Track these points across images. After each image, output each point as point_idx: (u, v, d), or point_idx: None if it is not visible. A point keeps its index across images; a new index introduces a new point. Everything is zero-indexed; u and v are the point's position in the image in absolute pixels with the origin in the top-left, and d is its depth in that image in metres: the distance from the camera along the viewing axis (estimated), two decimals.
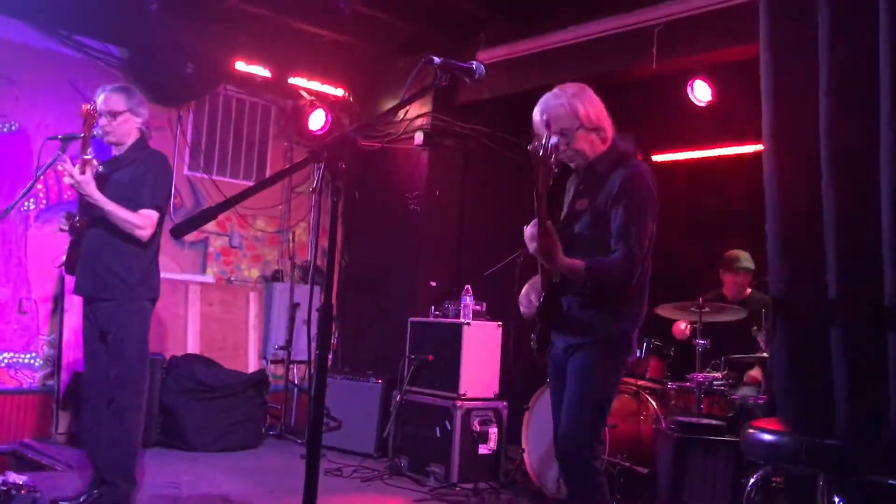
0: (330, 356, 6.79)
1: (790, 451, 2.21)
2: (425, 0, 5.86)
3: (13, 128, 5.77)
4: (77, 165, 3.72)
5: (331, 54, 6.70)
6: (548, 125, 2.97)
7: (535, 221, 2.83)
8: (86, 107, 3.79)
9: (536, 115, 3.05)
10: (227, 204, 1.71)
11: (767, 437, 2.24)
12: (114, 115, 3.90)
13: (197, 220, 1.69)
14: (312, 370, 6.43)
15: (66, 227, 3.95)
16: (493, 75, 2.51)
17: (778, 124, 3.33)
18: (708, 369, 4.81)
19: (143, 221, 3.81)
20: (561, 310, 2.96)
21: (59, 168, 4.01)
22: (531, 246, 2.90)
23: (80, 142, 3.79)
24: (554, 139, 2.75)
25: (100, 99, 3.93)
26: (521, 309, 3.15)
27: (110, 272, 3.82)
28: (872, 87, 2.71)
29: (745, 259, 5.35)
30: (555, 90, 3.06)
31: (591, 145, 3.02)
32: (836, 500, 2.21)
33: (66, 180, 3.80)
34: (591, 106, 3.02)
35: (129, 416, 3.84)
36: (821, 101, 2.96)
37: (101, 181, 3.88)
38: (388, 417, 5.68)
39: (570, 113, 2.97)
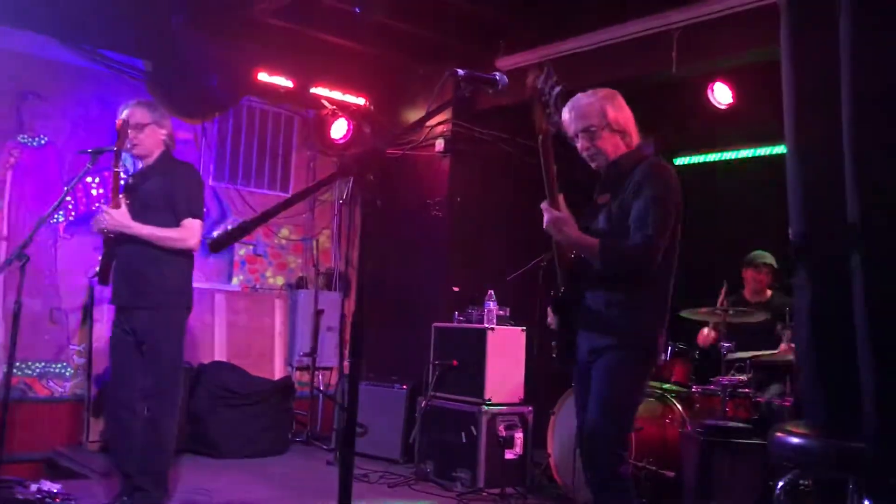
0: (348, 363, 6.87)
1: (819, 453, 2.22)
2: (444, 9, 5.90)
3: (42, 142, 5.88)
4: (110, 204, 3.81)
5: (352, 64, 6.75)
6: (574, 126, 3.06)
7: (546, 203, 2.90)
8: (120, 121, 3.87)
9: (565, 111, 3.11)
10: (263, 217, 1.76)
11: (795, 439, 2.25)
12: (140, 127, 3.98)
13: (233, 234, 1.74)
14: (340, 377, 6.50)
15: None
16: (512, 82, 2.56)
17: (800, 128, 3.34)
18: (732, 372, 4.80)
19: (186, 233, 3.89)
20: (586, 307, 2.96)
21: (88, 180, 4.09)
22: (546, 223, 2.93)
23: (109, 154, 3.88)
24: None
25: (124, 114, 4.00)
26: (548, 320, 3.17)
27: (147, 281, 3.89)
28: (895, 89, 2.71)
29: (770, 258, 5.35)
30: (585, 93, 3.14)
31: (615, 147, 3.08)
32: (866, 503, 2.21)
33: (102, 221, 3.85)
34: (620, 110, 3.10)
35: (164, 424, 3.91)
36: (843, 103, 2.97)
37: (131, 192, 3.96)
38: (413, 423, 5.72)
39: (597, 112, 3.05)
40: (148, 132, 4.00)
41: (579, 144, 3.12)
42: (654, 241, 2.86)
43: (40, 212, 5.59)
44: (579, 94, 3.14)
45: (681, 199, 3.01)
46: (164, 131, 4.07)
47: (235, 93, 6.52)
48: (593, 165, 3.14)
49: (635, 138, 3.11)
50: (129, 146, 3.98)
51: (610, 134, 3.06)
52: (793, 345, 4.67)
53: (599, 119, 3.04)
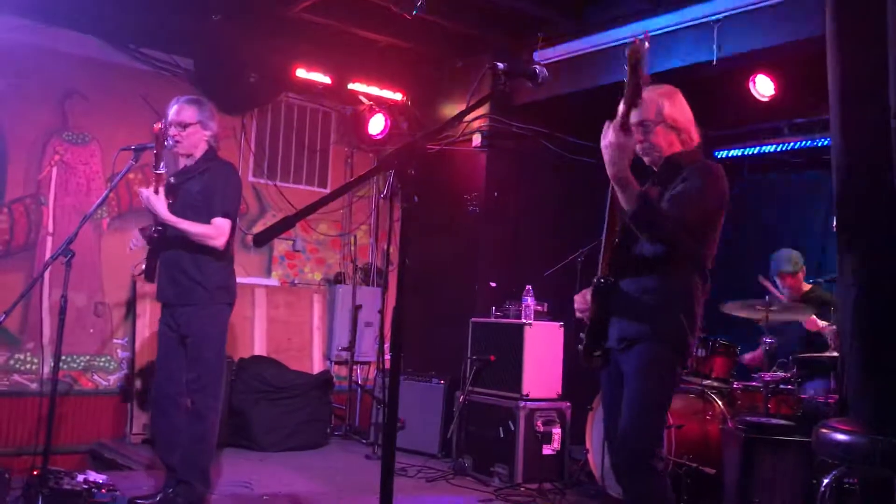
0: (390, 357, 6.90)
1: (865, 451, 2.18)
2: (482, 2, 5.89)
3: (86, 139, 6.00)
4: (152, 186, 3.86)
5: (389, 59, 6.77)
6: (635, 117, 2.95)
7: (618, 123, 2.76)
8: (157, 125, 3.92)
9: (622, 105, 3.05)
10: (306, 211, 1.77)
11: (841, 436, 2.21)
12: (184, 126, 4.02)
13: (276, 228, 1.75)
14: (378, 372, 6.53)
15: (138, 245, 4.08)
16: (551, 75, 2.53)
17: (846, 116, 3.28)
18: (775, 368, 4.73)
19: (215, 231, 3.92)
20: (621, 292, 2.93)
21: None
22: (606, 142, 2.79)
23: (150, 152, 3.93)
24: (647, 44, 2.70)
25: (172, 109, 4.05)
26: (576, 307, 3.14)
27: (190, 279, 3.95)
28: None
29: (794, 263, 5.24)
30: (649, 87, 3.01)
31: (669, 143, 3.03)
32: None
33: (142, 200, 3.91)
34: (678, 108, 3.05)
35: (208, 417, 3.96)
36: (891, 91, 2.91)
37: (172, 192, 4.01)
38: (451, 418, 5.73)
39: (654, 107, 3.00)
40: (191, 131, 4.03)
41: (635, 136, 3.05)
42: (687, 219, 2.82)
43: (84, 208, 5.71)
44: (657, 88, 3.08)
45: (726, 200, 2.95)
46: (208, 132, 4.09)
47: (274, 89, 6.59)
48: (647, 160, 3.08)
49: (695, 138, 3.07)
50: (171, 144, 4.03)
51: (665, 130, 3.01)
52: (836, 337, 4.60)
53: (656, 114, 3.00)
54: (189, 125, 4.02)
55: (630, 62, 2.64)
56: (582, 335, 3.06)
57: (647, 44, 2.62)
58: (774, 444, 4.09)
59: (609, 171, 2.79)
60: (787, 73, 5.43)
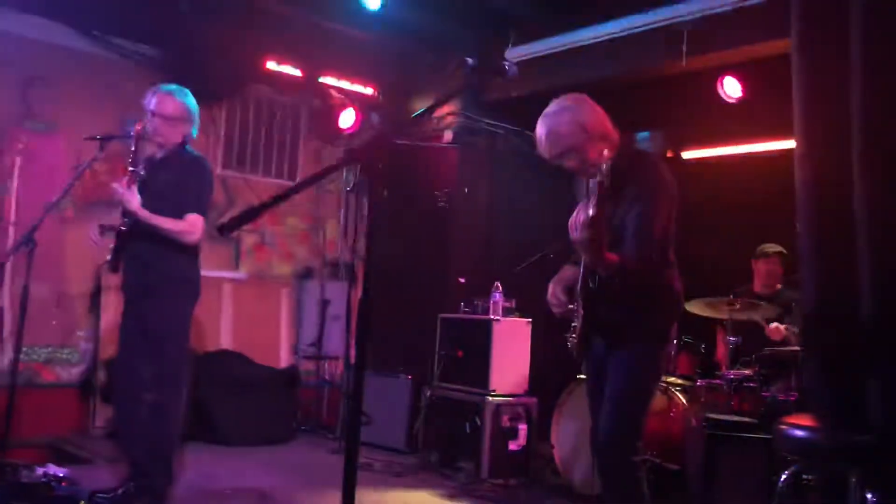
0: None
1: (823, 446, 2.22)
2: None
3: (51, 128, 5.90)
4: (124, 181, 3.81)
5: (360, 53, 6.74)
6: (555, 151, 2.98)
7: (580, 207, 2.82)
8: (139, 125, 3.86)
9: (539, 135, 3.02)
10: (274, 202, 1.76)
11: (800, 433, 2.25)
12: (166, 119, 3.95)
13: (242, 217, 1.74)
14: (346, 367, 6.51)
15: (99, 242, 4.01)
16: (522, 73, 2.52)
17: (809, 125, 3.33)
18: (738, 366, 4.80)
19: (189, 227, 3.89)
20: (600, 318, 2.97)
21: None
22: (578, 234, 2.78)
23: (121, 143, 3.87)
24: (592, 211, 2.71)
25: (157, 98, 3.96)
26: (553, 310, 3.15)
27: (155, 271, 3.90)
28: None
29: (778, 246, 5.33)
30: (551, 108, 3.02)
31: (600, 153, 2.88)
32: (869, 496, 2.21)
33: (115, 196, 3.86)
34: (593, 113, 2.99)
35: (170, 411, 3.92)
36: (853, 99, 2.96)
37: (142, 184, 3.96)
38: (417, 413, 5.74)
39: (576, 128, 2.94)
40: (172, 125, 3.98)
41: (566, 164, 3.03)
42: (646, 254, 2.84)
43: (48, 198, 5.59)
44: (548, 115, 3.01)
45: (675, 195, 2.98)
46: (188, 126, 4.05)
47: (243, 81, 6.53)
48: (584, 178, 3.06)
49: (615, 135, 3.02)
50: (149, 133, 3.96)
51: (592, 143, 2.94)
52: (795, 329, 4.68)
53: (578, 136, 2.94)
54: (174, 120, 3.97)
55: (596, 193, 2.65)
56: (572, 335, 3.07)
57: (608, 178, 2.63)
58: (737, 440, 4.16)
59: (588, 259, 2.83)
60: (755, 76, 5.50)
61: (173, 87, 4.08)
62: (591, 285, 2.95)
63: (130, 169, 3.83)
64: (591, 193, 2.72)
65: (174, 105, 3.97)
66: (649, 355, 2.98)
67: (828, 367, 2.52)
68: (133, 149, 3.85)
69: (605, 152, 2.76)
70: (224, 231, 1.70)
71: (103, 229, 4.01)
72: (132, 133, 3.91)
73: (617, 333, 2.97)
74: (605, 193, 2.62)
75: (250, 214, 1.75)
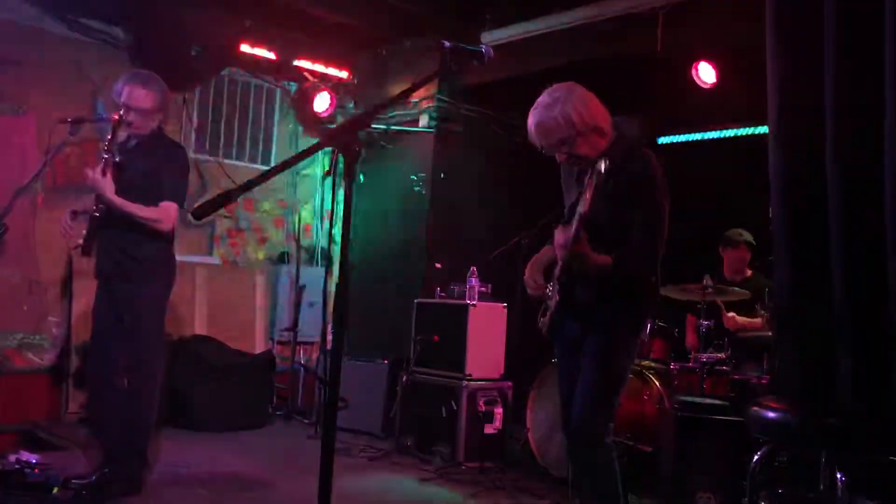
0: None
1: (794, 428, 2.26)
2: None
3: (20, 111, 5.80)
4: (99, 168, 3.77)
5: (335, 36, 6.69)
6: (545, 143, 2.98)
7: (559, 229, 2.89)
8: (116, 115, 3.82)
9: (530, 125, 3.00)
10: (248, 185, 1.75)
11: (771, 414, 2.29)
12: (143, 112, 3.90)
13: (216, 202, 1.73)
14: (322, 352, 6.51)
15: (70, 226, 3.95)
16: (498, 57, 2.49)
17: (783, 109, 3.36)
18: (711, 349, 4.85)
19: (163, 215, 3.87)
20: (577, 301, 2.99)
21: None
22: (560, 252, 2.90)
23: (88, 125, 3.83)
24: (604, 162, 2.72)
25: (129, 89, 3.89)
26: (529, 291, 3.17)
27: (128, 257, 3.88)
28: (879, 71, 2.73)
29: (746, 233, 5.39)
30: (544, 99, 2.97)
31: (593, 145, 2.96)
32: (839, 477, 2.25)
33: (89, 182, 3.82)
34: (584, 107, 2.93)
35: (144, 396, 3.91)
36: (827, 84, 2.99)
37: (118, 170, 3.92)
38: (394, 398, 5.74)
39: (564, 123, 2.89)
40: (149, 117, 3.95)
41: (557, 156, 3.02)
42: (659, 246, 2.91)
43: (19, 181, 5.51)
44: (539, 106, 2.97)
45: (668, 191, 3.01)
46: (163, 114, 4.02)
47: (217, 64, 6.46)
48: (576, 169, 3.07)
49: (607, 124, 2.99)
50: (125, 123, 3.91)
51: (584, 137, 2.93)
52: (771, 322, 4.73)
53: (568, 130, 2.90)
54: (150, 112, 3.93)
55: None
56: (542, 319, 3.09)
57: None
58: (709, 423, 4.21)
59: (578, 270, 2.88)
60: (730, 62, 5.53)
61: (143, 74, 4.01)
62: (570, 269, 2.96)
63: (105, 156, 3.79)
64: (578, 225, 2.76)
65: (149, 98, 3.92)
66: (624, 342, 3.00)
67: (799, 350, 2.56)
68: (110, 137, 3.82)
69: (600, 144, 2.82)
70: (197, 216, 1.68)
71: (76, 215, 3.97)
72: (107, 119, 3.87)
73: (593, 316, 2.99)
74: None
75: (224, 199, 1.73)
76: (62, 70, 5.90)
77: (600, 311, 2.98)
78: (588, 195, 2.69)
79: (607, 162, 2.68)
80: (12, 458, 3.90)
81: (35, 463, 3.91)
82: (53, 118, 4.04)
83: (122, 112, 3.84)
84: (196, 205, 1.78)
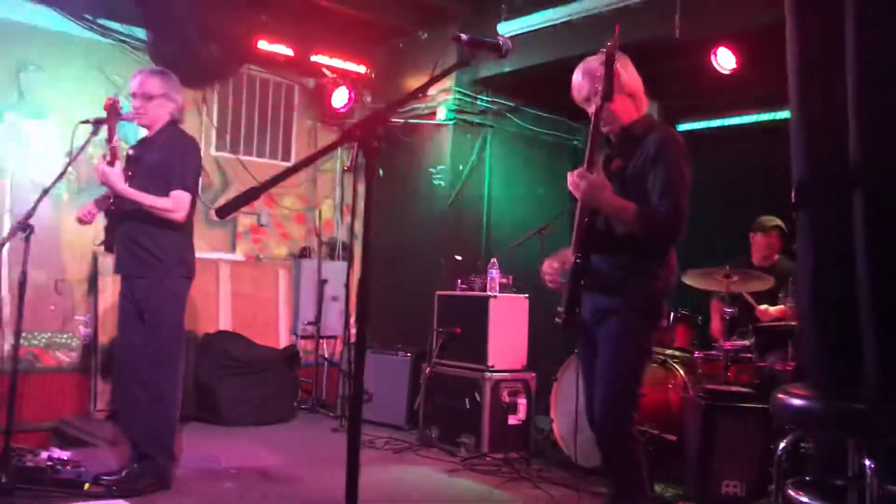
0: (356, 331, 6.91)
1: (820, 414, 2.24)
2: None
3: (44, 113, 5.87)
4: (105, 158, 3.81)
5: (352, 31, 6.71)
6: (585, 91, 3.05)
7: (582, 168, 2.87)
8: (108, 99, 3.86)
9: (576, 74, 3.11)
10: (270, 183, 1.76)
11: (797, 401, 2.27)
12: (149, 97, 3.96)
13: (240, 200, 1.74)
14: (345, 346, 6.55)
15: (88, 218, 4.01)
16: (516, 47, 2.53)
17: (804, 91, 3.33)
18: (735, 337, 4.83)
19: (174, 204, 3.88)
20: (593, 270, 2.97)
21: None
22: (577, 189, 2.88)
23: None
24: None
25: (135, 80, 3.99)
26: (546, 278, 3.17)
27: (146, 251, 3.91)
28: None
29: (777, 219, 5.33)
30: (596, 56, 3.08)
31: (626, 111, 3.06)
32: (867, 464, 2.24)
33: (98, 175, 3.88)
34: (630, 74, 3.08)
35: (167, 391, 3.94)
36: (848, 68, 2.95)
37: (132, 163, 3.97)
38: (417, 390, 5.77)
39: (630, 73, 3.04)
40: (156, 103, 3.98)
41: (591, 108, 3.08)
42: (682, 208, 2.88)
43: (43, 183, 5.57)
44: (589, 58, 3.11)
45: (690, 166, 3.01)
46: (173, 104, 4.04)
47: (236, 61, 6.50)
48: (605, 130, 3.11)
49: (644, 102, 3.12)
50: (132, 116, 3.98)
51: (621, 98, 3.02)
52: (793, 306, 4.70)
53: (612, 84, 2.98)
54: (154, 97, 3.97)
55: (607, 62, 2.70)
56: (560, 308, 3.09)
57: (617, 42, 2.69)
58: (734, 411, 4.20)
59: (595, 207, 2.89)
60: (749, 46, 5.48)
61: (154, 67, 4.10)
62: (581, 261, 2.96)
63: (109, 145, 3.83)
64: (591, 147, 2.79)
65: (151, 82, 3.98)
66: (641, 329, 2.98)
67: (824, 334, 2.54)
68: (107, 125, 3.85)
69: (632, 111, 2.91)
70: (222, 214, 1.70)
71: (100, 203, 4.01)
72: (129, 119, 3.93)
73: (608, 300, 2.97)
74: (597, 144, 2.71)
75: (247, 197, 1.75)
76: (83, 71, 5.97)
77: (617, 291, 2.96)
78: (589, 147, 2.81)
79: (608, 111, 2.80)
80: (44, 454, 3.96)
81: (66, 460, 3.97)
82: (76, 120, 4.09)
83: (115, 98, 3.88)
84: (218, 204, 1.80)
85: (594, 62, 3.06)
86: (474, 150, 6.73)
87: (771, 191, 5.14)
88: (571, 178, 2.92)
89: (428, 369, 5.64)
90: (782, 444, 2.72)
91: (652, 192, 2.90)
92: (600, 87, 2.85)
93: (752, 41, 5.37)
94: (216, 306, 6.52)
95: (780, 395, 2.33)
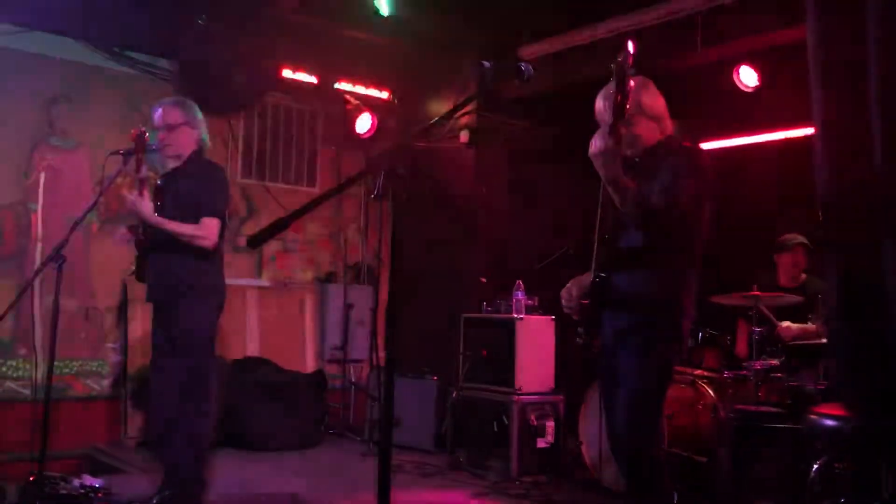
0: (383, 355, 6.92)
1: (853, 435, 2.22)
2: None
3: (73, 144, 5.98)
4: (135, 188, 3.88)
5: (374, 58, 6.78)
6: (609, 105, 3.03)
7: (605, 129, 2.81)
8: (135, 130, 3.93)
9: (599, 100, 3.12)
10: (299, 212, 1.79)
11: (829, 421, 2.25)
12: (171, 128, 4.03)
13: (270, 229, 1.77)
14: (371, 370, 6.56)
15: (128, 235, 4.08)
16: (536, 70, 2.55)
17: (827, 107, 3.32)
18: (764, 357, 4.78)
19: (204, 231, 3.92)
20: (613, 287, 2.97)
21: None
22: (594, 145, 2.82)
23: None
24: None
25: (157, 113, 4.07)
26: (563, 303, 3.16)
27: (178, 280, 3.95)
28: None
29: (802, 238, 5.27)
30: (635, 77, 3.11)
31: (650, 133, 3.07)
32: None
33: (128, 205, 3.94)
34: (654, 97, 3.10)
35: (200, 417, 3.97)
36: (872, 78, 2.94)
37: (161, 193, 4.03)
38: (444, 413, 5.76)
39: (632, 99, 2.95)
40: (180, 132, 4.05)
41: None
42: (679, 207, 2.86)
43: (73, 213, 5.67)
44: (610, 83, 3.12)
45: (712, 184, 3.00)
46: (196, 132, 4.10)
47: (260, 90, 6.58)
48: (629, 152, 3.11)
49: (670, 126, 3.12)
50: (158, 146, 4.04)
51: (646, 120, 3.05)
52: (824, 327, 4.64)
53: (635, 107, 2.99)
54: (176, 126, 4.04)
55: (617, 77, 2.70)
56: (580, 329, 3.08)
57: (631, 55, 2.68)
58: (765, 431, 4.15)
59: (602, 175, 2.84)
60: (771, 64, 5.47)
61: (173, 98, 4.20)
62: (601, 277, 2.95)
63: (138, 177, 3.90)
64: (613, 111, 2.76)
65: (172, 113, 4.06)
66: (661, 349, 2.95)
67: (855, 354, 2.52)
68: (135, 156, 3.92)
69: (656, 134, 2.91)
70: (253, 244, 1.73)
71: (132, 230, 4.07)
72: (157, 149, 4.00)
73: (627, 319, 2.95)
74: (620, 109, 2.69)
75: (277, 227, 1.78)
76: (111, 102, 6.07)
77: (635, 313, 2.94)
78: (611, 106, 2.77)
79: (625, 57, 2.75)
80: (76, 482, 4.00)
81: (98, 487, 4.01)
82: (104, 150, 4.17)
83: (143, 129, 3.95)
84: (246, 234, 1.83)
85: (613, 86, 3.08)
86: (497, 171, 6.74)
87: (796, 208, 5.12)
88: (595, 141, 2.86)
89: (455, 393, 5.64)
90: (816, 466, 2.69)
91: (657, 186, 2.90)
92: (612, 105, 2.82)
93: (774, 59, 5.37)
94: (243, 332, 6.57)
95: (814, 416, 2.31)
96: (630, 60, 2.72)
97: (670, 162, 2.96)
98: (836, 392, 3.24)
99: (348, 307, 6.82)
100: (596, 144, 2.81)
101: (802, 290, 5.06)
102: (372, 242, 7.43)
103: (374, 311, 6.87)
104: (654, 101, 3.10)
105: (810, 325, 4.85)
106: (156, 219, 3.88)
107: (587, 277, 3.10)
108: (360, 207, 7.44)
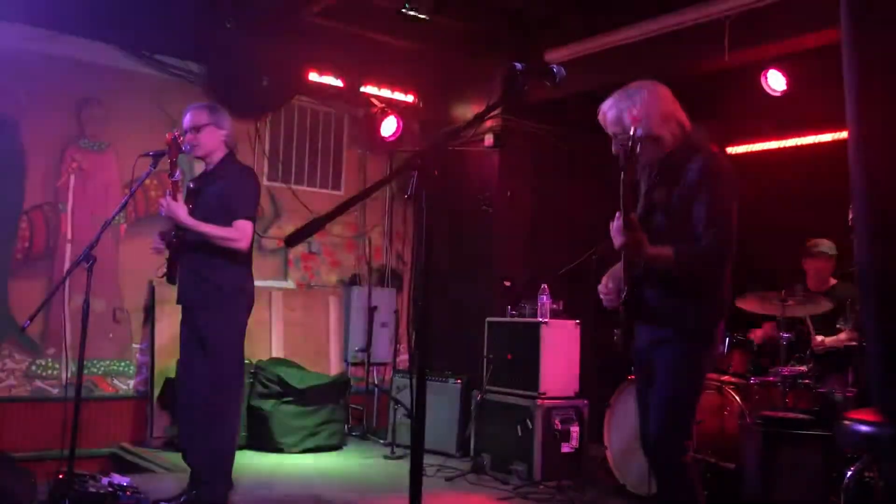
0: (407, 357, 6.94)
1: (889, 441, 2.19)
2: (492, 1, 5.90)
3: (102, 146, 6.05)
4: (168, 192, 3.92)
5: (400, 61, 6.81)
6: (616, 120, 3.02)
7: (619, 214, 2.83)
8: (170, 134, 3.98)
9: (609, 111, 3.07)
10: (335, 213, 1.80)
11: (864, 427, 2.22)
12: (198, 129, 4.08)
13: (307, 229, 1.78)
14: (394, 372, 6.56)
15: (162, 247, 4.12)
16: (566, 73, 2.54)
17: (864, 108, 3.27)
18: (792, 363, 4.73)
19: (238, 234, 3.96)
20: (645, 301, 2.96)
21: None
22: (617, 240, 2.89)
23: (167, 158, 3.99)
24: (639, 132, 2.78)
25: (186, 118, 4.13)
26: (603, 299, 3.15)
27: (208, 282, 3.99)
28: None
29: (827, 245, 5.23)
30: (627, 88, 3.07)
31: (668, 131, 3.01)
32: None
33: (162, 209, 3.98)
34: (662, 100, 3.03)
35: (227, 419, 4.00)
36: None
37: (193, 196, 4.06)
38: (468, 417, 5.75)
39: (630, 122, 2.97)
40: (206, 133, 4.09)
41: (639, 133, 3.06)
42: (727, 242, 2.86)
43: (102, 214, 5.75)
44: (620, 92, 3.08)
45: (738, 189, 2.97)
46: (223, 132, 4.15)
47: (287, 93, 6.63)
48: (643, 160, 3.09)
49: (686, 124, 3.05)
50: (188, 148, 4.08)
51: (658, 126, 2.99)
52: (855, 332, 4.60)
53: (636, 128, 2.93)
54: (202, 126, 4.08)
55: (624, 172, 2.74)
56: (616, 330, 3.06)
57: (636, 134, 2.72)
58: (793, 438, 4.11)
59: (636, 260, 2.88)
60: (799, 68, 5.43)
61: (199, 102, 4.30)
62: (635, 277, 2.94)
63: (172, 180, 3.94)
64: (624, 192, 2.78)
65: (198, 115, 4.11)
66: (694, 356, 2.94)
67: (892, 357, 2.48)
68: (169, 159, 3.96)
69: (667, 142, 2.86)
70: (291, 243, 1.75)
71: (164, 236, 4.11)
72: (186, 151, 4.04)
73: (663, 325, 2.94)
74: (631, 192, 2.67)
75: (314, 227, 1.79)
76: (140, 105, 6.14)
77: (670, 320, 2.93)
78: (623, 192, 2.76)
79: (637, 132, 2.77)
80: (104, 480, 4.03)
81: (126, 486, 4.03)
82: (134, 153, 4.22)
83: (177, 133, 4.00)
84: (278, 235, 1.84)
85: (625, 97, 3.04)
86: (522, 175, 6.74)
87: (826, 213, 5.06)
88: (613, 226, 2.89)
89: (479, 396, 5.63)
90: (849, 472, 2.66)
91: (696, 224, 2.87)
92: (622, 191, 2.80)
93: (802, 63, 5.32)
94: (269, 333, 6.61)
95: (847, 422, 2.29)
96: (637, 149, 2.73)
97: (697, 178, 2.91)
98: (869, 397, 3.20)
99: (372, 309, 6.83)
100: (618, 241, 2.84)
101: (830, 296, 5.01)
102: (396, 245, 7.44)
103: (398, 313, 6.89)
104: (664, 103, 3.03)
105: (842, 336, 4.79)
106: (191, 221, 3.92)
107: (619, 269, 3.09)
108: (384, 210, 7.46)
